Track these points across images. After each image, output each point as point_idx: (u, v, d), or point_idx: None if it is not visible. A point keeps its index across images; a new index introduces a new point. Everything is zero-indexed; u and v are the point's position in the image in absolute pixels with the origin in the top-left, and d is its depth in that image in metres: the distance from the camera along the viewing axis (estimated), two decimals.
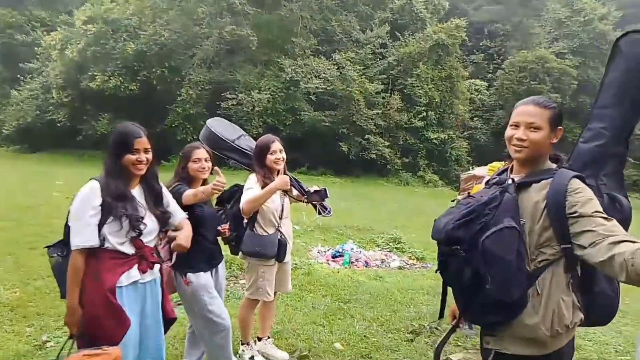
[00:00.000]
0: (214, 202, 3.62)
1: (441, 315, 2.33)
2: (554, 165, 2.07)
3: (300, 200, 3.88)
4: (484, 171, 3.88)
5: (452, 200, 2.20)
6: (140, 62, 25.26)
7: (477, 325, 2.26)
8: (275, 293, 3.86)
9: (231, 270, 6.37)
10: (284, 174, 3.76)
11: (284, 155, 3.68)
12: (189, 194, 3.09)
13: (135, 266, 2.53)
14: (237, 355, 3.84)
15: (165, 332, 2.84)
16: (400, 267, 7.85)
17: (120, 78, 24.89)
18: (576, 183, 1.90)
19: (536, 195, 1.96)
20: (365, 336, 4.48)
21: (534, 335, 1.93)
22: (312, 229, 9.88)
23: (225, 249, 3.67)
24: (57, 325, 4.30)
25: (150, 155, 2.59)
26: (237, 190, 3.69)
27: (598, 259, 1.72)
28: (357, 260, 7.85)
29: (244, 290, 3.97)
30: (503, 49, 35.40)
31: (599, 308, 2.06)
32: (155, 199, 2.69)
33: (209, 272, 3.34)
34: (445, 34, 27.69)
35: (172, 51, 25.91)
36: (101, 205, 2.42)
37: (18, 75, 30.11)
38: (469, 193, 2.88)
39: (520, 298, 1.91)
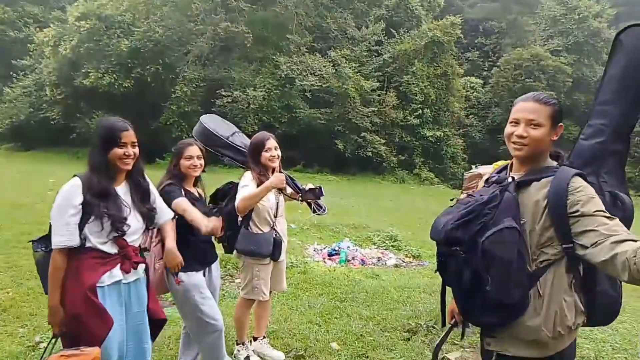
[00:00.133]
0: (207, 200, 3.57)
1: (443, 323, 2.31)
2: (555, 163, 2.02)
3: (295, 199, 3.83)
4: (489, 170, 3.83)
5: (452, 199, 2.15)
6: (134, 59, 25.14)
7: (477, 327, 2.21)
8: (270, 292, 3.82)
9: (226, 270, 6.32)
10: (279, 172, 3.71)
11: (279, 152, 3.63)
12: (180, 205, 3.04)
13: (118, 266, 2.47)
14: (232, 356, 3.79)
15: (157, 333, 2.79)
16: (396, 265, 7.82)
17: (114, 75, 24.78)
18: (577, 181, 1.86)
19: (537, 193, 1.92)
20: (361, 335, 4.44)
21: (535, 337, 1.90)
22: (308, 227, 9.84)
23: (219, 248, 3.62)
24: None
25: (137, 150, 2.53)
26: (231, 187, 3.64)
27: (600, 258, 1.68)
28: (353, 258, 7.81)
29: (239, 290, 3.92)
30: (498, 46, 35.51)
31: (601, 308, 2.02)
32: (141, 196, 2.62)
33: (202, 272, 3.28)
34: (440, 32, 27.75)
35: (166, 48, 25.79)
36: (82, 204, 2.36)
37: (11, 72, 29.93)
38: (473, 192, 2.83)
39: (521, 299, 1.87)
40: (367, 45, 29.17)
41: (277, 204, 3.69)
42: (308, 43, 28.00)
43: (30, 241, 2.58)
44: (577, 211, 1.80)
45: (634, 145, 22.35)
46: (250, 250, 3.55)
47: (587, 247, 1.75)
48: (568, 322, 1.89)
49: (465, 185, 4.37)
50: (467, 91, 31.82)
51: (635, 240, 1.63)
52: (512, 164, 2.12)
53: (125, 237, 2.48)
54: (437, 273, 2.08)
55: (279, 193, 3.72)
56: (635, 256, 1.58)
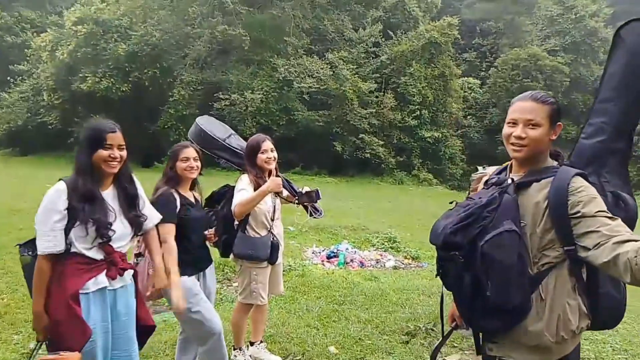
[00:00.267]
0: (203, 204, 3.53)
1: (444, 334, 2.28)
2: (555, 163, 1.98)
3: (291, 202, 3.80)
4: None
5: (451, 202, 2.11)
6: (131, 63, 25.10)
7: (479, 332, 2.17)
8: (267, 296, 3.78)
9: (224, 273, 6.30)
10: (276, 174, 3.68)
11: (275, 154, 3.61)
12: (163, 233, 2.96)
13: (104, 272, 2.41)
14: None
15: (146, 340, 2.74)
16: (395, 267, 7.79)
17: (112, 79, 24.73)
18: (578, 181, 1.82)
19: (537, 195, 1.88)
20: (360, 339, 4.40)
21: (538, 342, 1.86)
22: (307, 230, 9.80)
23: (214, 252, 3.58)
24: None
25: (124, 153, 2.46)
26: (227, 191, 3.61)
27: (602, 260, 1.64)
28: (352, 260, 7.78)
29: (237, 295, 3.89)
30: (495, 46, 35.54)
31: (605, 311, 1.97)
32: (129, 202, 2.55)
33: (195, 276, 3.23)
34: (437, 32, 27.76)
35: (163, 51, 25.77)
36: (67, 209, 2.30)
37: (8, 78, 29.89)
38: None
39: (523, 303, 1.83)
40: (365, 47, 29.16)
41: (274, 207, 3.66)
42: (305, 45, 27.99)
43: (17, 245, 2.52)
44: (578, 212, 1.76)
45: (634, 144, 22.28)
46: (248, 254, 3.52)
47: (589, 249, 1.70)
48: (572, 326, 1.85)
49: (472, 186, 4.32)
50: (465, 92, 31.81)
51: (638, 241, 1.59)
52: (511, 165, 2.08)
53: (111, 243, 2.42)
54: (438, 277, 2.05)
55: (276, 196, 3.70)
56: (636, 256, 1.53)
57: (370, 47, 29.36)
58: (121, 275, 2.48)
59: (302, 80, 25.20)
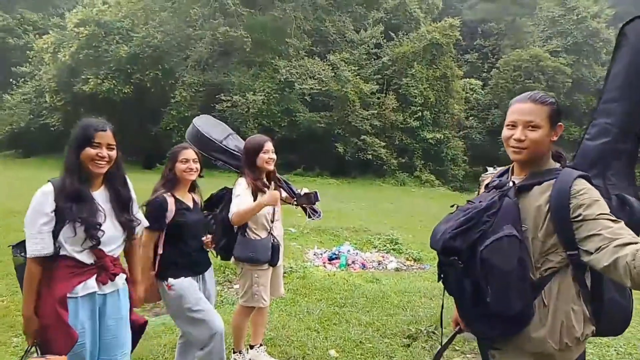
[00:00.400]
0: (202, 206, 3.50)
1: (442, 339, 2.25)
2: (558, 165, 1.94)
3: (290, 203, 3.78)
4: None
5: (452, 206, 2.07)
6: (133, 65, 25.15)
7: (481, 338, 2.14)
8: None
9: (225, 275, 6.27)
10: (274, 175, 3.66)
11: (275, 156, 3.59)
12: (143, 240, 2.97)
13: (94, 277, 2.36)
14: None
15: (138, 339, 2.72)
16: (397, 269, 7.76)
17: (114, 81, 24.79)
18: (581, 183, 1.78)
19: (538, 198, 1.84)
20: (360, 342, 4.37)
21: (541, 349, 1.82)
22: (308, 231, 9.77)
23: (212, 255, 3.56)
24: None
25: (113, 153, 2.39)
26: (225, 193, 3.58)
27: (603, 264, 1.60)
28: (353, 262, 7.75)
29: (238, 297, 3.86)
30: (497, 47, 35.45)
31: (611, 317, 1.91)
32: (121, 205, 2.49)
33: (194, 279, 3.19)
34: (439, 34, 27.71)
35: (165, 53, 25.80)
36: (55, 211, 2.25)
37: (10, 80, 29.99)
38: None
39: (525, 310, 1.79)
40: (366, 48, 29.13)
41: (274, 208, 3.63)
42: (307, 47, 27.98)
43: (10, 246, 2.49)
44: (580, 215, 1.71)
45: None
46: (249, 257, 3.50)
47: (591, 253, 1.66)
48: (576, 333, 1.81)
49: (482, 187, 4.28)
50: (467, 93, 31.73)
51: (639, 243, 1.55)
52: (513, 167, 2.04)
53: (102, 247, 2.37)
54: (440, 282, 2.03)
55: None
56: (634, 260, 1.49)
57: (372, 49, 29.33)
58: (112, 280, 2.43)
59: (303, 81, 25.18)
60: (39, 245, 2.24)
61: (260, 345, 3.93)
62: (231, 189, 3.50)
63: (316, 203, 3.71)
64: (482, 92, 32.70)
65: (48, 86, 27.35)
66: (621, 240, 1.59)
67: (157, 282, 3.11)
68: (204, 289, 3.27)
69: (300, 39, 27.73)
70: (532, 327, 1.81)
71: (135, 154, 25.11)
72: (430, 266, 7.81)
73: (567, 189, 1.76)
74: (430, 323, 4.79)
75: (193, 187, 3.32)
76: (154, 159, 23.03)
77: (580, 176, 1.81)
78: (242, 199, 3.34)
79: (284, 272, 5.90)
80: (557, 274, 1.82)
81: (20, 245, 2.43)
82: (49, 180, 2.34)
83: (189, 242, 3.15)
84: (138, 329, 2.68)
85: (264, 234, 3.56)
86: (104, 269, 2.39)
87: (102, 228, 2.35)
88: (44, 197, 2.27)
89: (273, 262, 3.58)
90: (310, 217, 3.85)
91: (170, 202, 3.07)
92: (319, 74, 25.59)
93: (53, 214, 2.25)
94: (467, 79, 32.26)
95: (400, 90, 27.97)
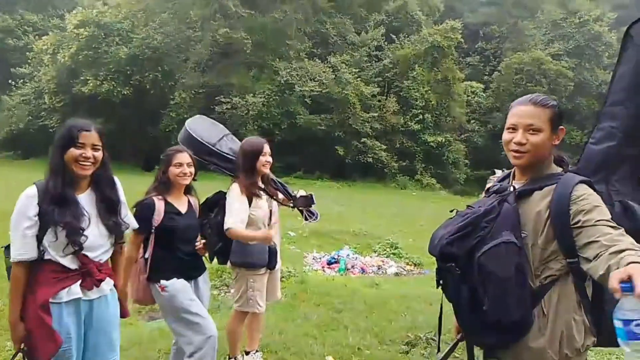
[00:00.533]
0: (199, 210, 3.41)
1: (439, 349, 2.21)
2: (560, 169, 1.87)
3: (287, 205, 3.70)
4: None
5: (451, 210, 2.00)
6: (132, 66, 25.25)
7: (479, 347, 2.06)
8: None
9: (222, 279, 6.21)
10: (269, 178, 3.57)
11: (271, 159, 3.51)
12: (128, 246, 2.88)
13: (78, 282, 2.28)
14: None
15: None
16: (397, 274, 7.72)
17: (113, 82, 24.88)
18: (581, 189, 1.71)
19: (539, 204, 1.77)
20: (358, 348, 4.28)
21: (540, 359, 1.74)
22: (307, 235, 9.71)
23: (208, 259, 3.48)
24: None
25: (99, 154, 2.30)
26: (221, 197, 3.49)
27: (599, 272, 1.52)
28: (353, 266, 7.71)
29: (233, 302, 3.77)
30: (499, 50, 35.48)
31: (613, 328, 1.83)
32: (108, 208, 2.40)
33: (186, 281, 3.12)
34: (440, 36, 27.74)
35: (165, 55, 25.87)
36: (38, 214, 2.18)
37: (10, 81, 30.03)
38: None
39: (523, 319, 1.73)
40: (367, 50, 29.19)
41: (271, 212, 3.55)
42: (307, 49, 28.04)
43: (1, 247, 2.43)
44: (580, 221, 1.65)
45: None
46: (246, 262, 3.42)
47: (590, 261, 1.59)
48: (576, 343, 1.74)
49: None
50: (468, 96, 31.73)
51: (636, 250, 1.45)
52: (515, 171, 1.97)
53: (87, 253, 2.29)
54: (439, 288, 1.97)
55: (272, 200, 3.58)
56: (618, 267, 1.40)
57: (373, 51, 29.39)
58: (97, 286, 2.35)
59: (304, 83, 25.21)
60: (21, 249, 2.18)
61: (257, 351, 3.85)
62: (226, 193, 3.42)
63: (312, 205, 3.64)
64: (484, 95, 32.71)
65: (47, 87, 27.44)
66: (618, 247, 1.51)
67: (149, 285, 3.04)
68: (197, 295, 3.19)
69: (300, 41, 27.78)
70: (531, 336, 1.75)
71: (135, 156, 25.10)
72: (430, 271, 7.73)
73: (568, 194, 1.71)
74: (429, 329, 4.70)
75: (189, 190, 3.25)
76: (153, 161, 22.96)
77: (582, 181, 1.75)
78: (239, 209, 3.27)
79: (282, 277, 5.83)
80: (558, 282, 1.76)
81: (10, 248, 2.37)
82: (34, 183, 2.27)
83: (180, 246, 3.07)
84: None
85: None
86: (88, 274, 2.31)
87: (86, 233, 2.26)
88: (27, 201, 2.21)
89: (271, 266, 3.50)
90: (307, 220, 3.77)
91: (159, 205, 3.00)
92: (319, 76, 25.63)
93: (37, 218, 2.18)
94: (469, 82, 32.28)
95: (401, 93, 28.01)
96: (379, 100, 27.71)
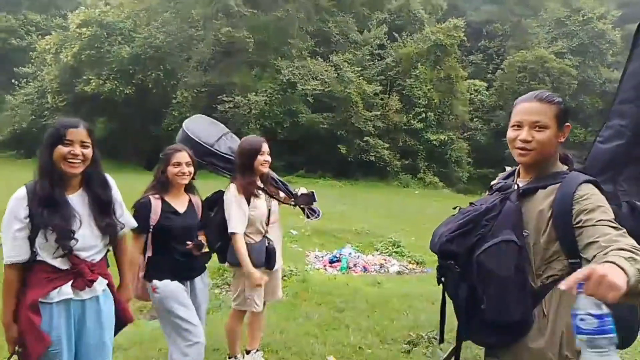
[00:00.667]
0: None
1: (441, 339, 2.21)
2: (565, 168, 1.84)
3: (288, 203, 3.67)
4: None
5: (454, 208, 1.97)
6: (135, 66, 25.28)
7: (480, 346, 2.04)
8: (264, 303, 3.64)
9: (223, 278, 6.18)
10: (268, 177, 3.55)
11: (269, 158, 3.48)
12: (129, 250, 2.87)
13: (69, 283, 2.26)
14: None
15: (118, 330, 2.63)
16: (399, 272, 7.68)
17: (116, 82, 24.93)
18: (586, 189, 1.67)
19: (542, 202, 1.74)
20: (360, 348, 4.26)
21: None
22: (309, 234, 9.69)
23: (215, 256, 3.47)
24: None
25: (88, 152, 2.26)
26: (220, 196, 3.47)
27: None
28: (355, 265, 7.67)
29: (232, 301, 3.76)
30: (502, 49, 35.36)
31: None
32: (101, 208, 2.36)
33: (179, 282, 3.09)
34: (443, 35, 27.67)
35: (167, 54, 25.90)
36: (29, 216, 2.15)
37: (13, 80, 30.05)
38: None
39: (522, 319, 1.70)
40: (370, 49, 29.13)
41: (269, 211, 3.52)
42: (310, 47, 28.01)
43: None
44: (581, 221, 1.62)
45: None
46: None
47: (589, 262, 1.55)
48: (577, 345, 1.70)
49: None
50: (471, 94, 31.65)
51: (633, 252, 1.41)
52: (519, 169, 1.94)
53: (78, 253, 2.26)
54: (440, 285, 1.98)
55: (272, 199, 3.56)
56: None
57: (375, 49, 29.33)
58: (89, 286, 2.32)
59: (306, 82, 25.18)
60: (12, 252, 2.16)
61: (257, 350, 3.83)
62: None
63: (314, 203, 3.62)
64: (487, 93, 32.63)
65: (50, 87, 27.49)
66: (613, 248, 1.47)
67: (145, 283, 3.05)
68: (194, 297, 3.17)
69: (303, 40, 27.75)
70: (531, 336, 1.72)
71: (137, 155, 25.12)
72: (433, 270, 7.69)
73: (571, 193, 1.67)
74: (431, 328, 4.67)
75: (191, 189, 3.23)
76: (155, 160, 22.80)
77: (587, 181, 1.71)
78: (237, 212, 3.28)
79: (284, 275, 5.81)
80: (559, 282, 1.70)
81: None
82: (25, 184, 2.24)
83: (176, 246, 3.03)
84: (123, 321, 2.61)
85: (258, 238, 3.46)
86: (80, 275, 2.28)
87: (77, 234, 2.23)
88: (17, 203, 2.18)
89: (268, 266, 3.48)
90: (309, 217, 3.75)
91: (156, 204, 2.98)
92: (321, 74, 25.59)
93: (27, 220, 2.16)
94: (472, 80, 32.19)
95: (404, 92, 27.94)
96: (382, 99, 27.65)
